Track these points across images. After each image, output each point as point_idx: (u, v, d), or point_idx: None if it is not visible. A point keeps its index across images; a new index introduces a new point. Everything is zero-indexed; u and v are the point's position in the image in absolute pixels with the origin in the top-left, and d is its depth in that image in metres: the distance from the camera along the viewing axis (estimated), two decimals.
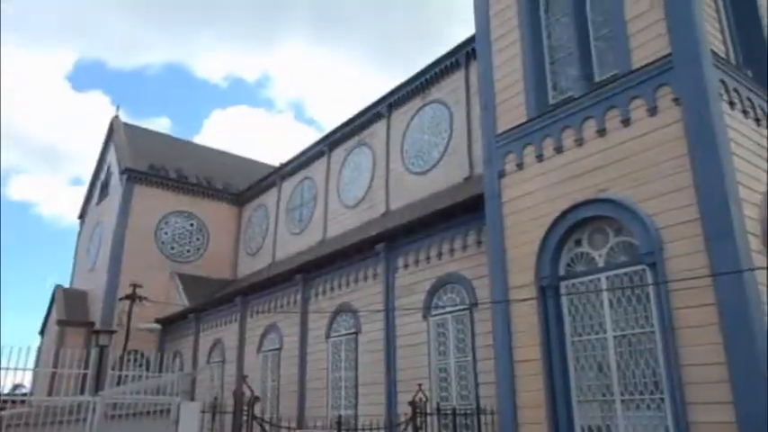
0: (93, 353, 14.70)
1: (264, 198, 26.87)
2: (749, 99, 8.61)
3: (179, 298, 24.21)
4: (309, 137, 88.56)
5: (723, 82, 8.16)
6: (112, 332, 16.94)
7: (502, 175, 10.36)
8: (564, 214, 9.05)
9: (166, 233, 26.39)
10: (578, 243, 9.06)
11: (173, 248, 26.35)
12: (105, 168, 29.31)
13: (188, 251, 26.73)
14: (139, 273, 22.53)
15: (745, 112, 8.45)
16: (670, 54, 8.22)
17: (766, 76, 9.39)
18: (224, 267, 27.15)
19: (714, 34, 8.59)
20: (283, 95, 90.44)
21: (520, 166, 10.07)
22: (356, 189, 20.73)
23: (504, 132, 10.50)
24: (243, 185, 28.42)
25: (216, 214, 27.73)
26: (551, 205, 9.29)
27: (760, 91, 8.95)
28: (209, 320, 21.35)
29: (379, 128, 20.20)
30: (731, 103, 8.21)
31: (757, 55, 9.62)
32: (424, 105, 18.63)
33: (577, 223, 8.95)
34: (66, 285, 27.72)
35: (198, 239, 27.17)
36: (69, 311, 24.40)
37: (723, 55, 8.57)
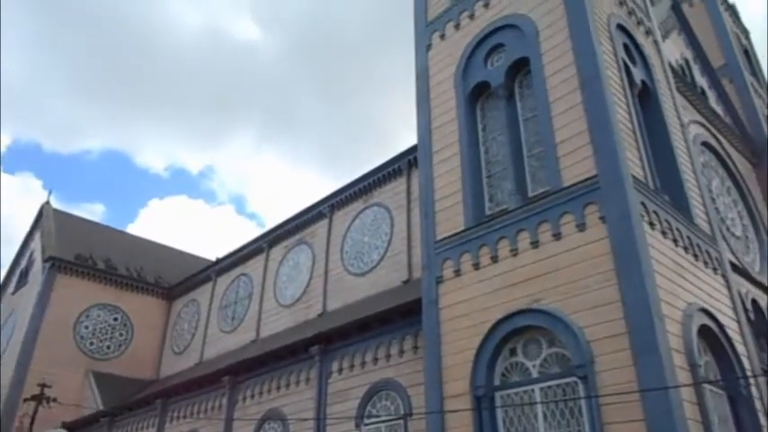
0: None
1: (197, 293, 25.92)
2: (667, 221, 9.27)
3: (93, 399, 22.29)
4: (249, 231, 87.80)
5: (644, 204, 8.80)
6: None
7: (440, 281, 10.49)
8: (499, 323, 9.14)
9: (87, 327, 24.75)
10: (513, 353, 9.11)
11: (92, 344, 24.62)
12: (28, 255, 27.74)
13: (108, 347, 25.02)
14: (51, 370, 20.80)
15: (664, 233, 9.06)
16: (596, 176, 8.85)
17: (681, 201, 10.22)
18: (146, 366, 25.45)
19: (634, 161, 9.36)
20: (226, 188, 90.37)
21: (457, 273, 10.25)
22: (293, 288, 20.39)
23: (442, 239, 10.76)
24: (175, 279, 27.42)
25: (143, 308, 26.38)
26: (487, 313, 9.39)
27: (676, 214, 9.69)
28: (124, 425, 19.60)
29: (321, 227, 20.31)
30: (651, 224, 8.81)
31: (672, 181, 10.52)
32: (366, 208, 18.99)
33: (512, 332, 9.04)
34: None
35: (121, 335, 25.57)
36: None
37: (642, 179, 9.31)
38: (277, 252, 22.00)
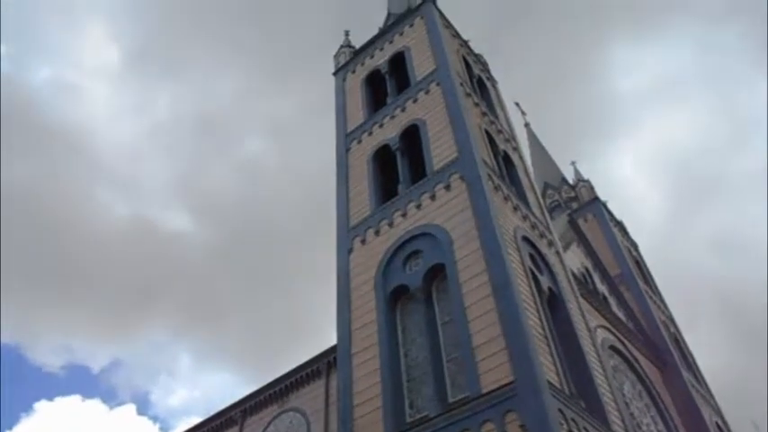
0: None
1: None
2: (586, 429, 9.20)
3: None
4: None
5: (561, 411, 8.77)
6: None
7: None
8: None
9: None
10: None
11: None
12: None
13: None
14: None
15: None
16: (514, 382, 8.86)
17: (597, 406, 10.30)
18: None
19: (548, 365, 9.55)
20: (130, 385, 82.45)
21: None
22: None
23: None
24: None
25: None
26: None
27: (593, 421, 9.67)
28: None
29: None
30: None
31: (586, 386, 10.69)
32: (282, 413, 17.76)
33: None
34: None
35: None
36: None
37: (558, 385, 9.40)
38: None
